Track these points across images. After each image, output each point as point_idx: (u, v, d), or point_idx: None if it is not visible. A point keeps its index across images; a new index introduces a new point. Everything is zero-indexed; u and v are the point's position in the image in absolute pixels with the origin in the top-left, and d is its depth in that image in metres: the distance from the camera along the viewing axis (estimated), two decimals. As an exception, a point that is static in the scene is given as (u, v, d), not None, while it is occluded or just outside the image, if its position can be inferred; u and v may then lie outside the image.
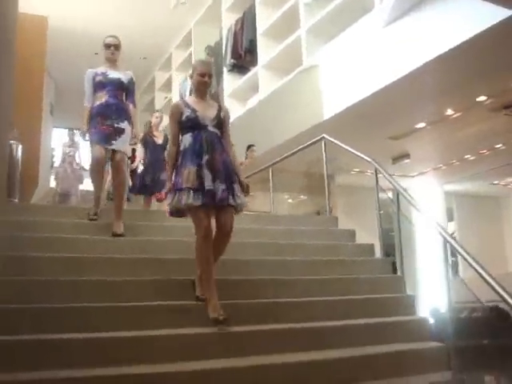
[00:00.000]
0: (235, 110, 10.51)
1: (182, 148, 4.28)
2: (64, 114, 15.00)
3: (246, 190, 4.37)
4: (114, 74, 5.60)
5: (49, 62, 9.75)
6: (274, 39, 10.00)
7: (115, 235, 5.03)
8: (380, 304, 4.94)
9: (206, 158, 4.13)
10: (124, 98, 5.68)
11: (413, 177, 12.21)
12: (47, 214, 5.49)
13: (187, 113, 4.29)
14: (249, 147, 9.72)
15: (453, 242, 4.39)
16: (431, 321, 8.31)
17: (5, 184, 5.13)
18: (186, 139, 4.27)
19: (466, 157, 10.62)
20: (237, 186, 4.23)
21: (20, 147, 6.80)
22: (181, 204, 4.05)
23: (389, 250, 6.12)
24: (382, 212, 5.98)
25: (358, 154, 6.18)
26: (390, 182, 5.45)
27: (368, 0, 7.69)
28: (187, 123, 4.29)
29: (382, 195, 6.00)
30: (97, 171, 5.54)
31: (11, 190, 6.55)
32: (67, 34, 12.11)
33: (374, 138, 8.96)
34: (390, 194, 5.94)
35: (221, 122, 4.40)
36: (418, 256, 11.78)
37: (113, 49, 5.70)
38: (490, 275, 3.81)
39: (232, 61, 10.88)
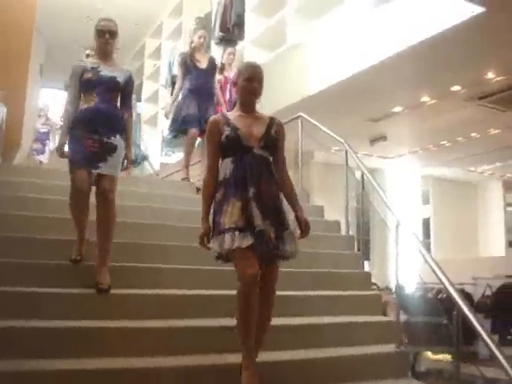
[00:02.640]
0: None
1: (221, 177, 3.44)
2: (55, 75, 15.02)
3: (304, 229, 3.52)
4: (107, 71, 4.35)
5: (40, 22, 9.75)
6: (262, 15, 10.10)
7: (101, 291, 3.96)
8: (338, 278, 5.21)
9: (252, 189, 3.31)
10: (118, 102, 4.44)
11: (391, 158, 12.47)
12: (26, 175, 5.67)
13: (227, 131, 3.43)
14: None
15: (404, 226, 4.49)
16: (394, 297, 8.69)
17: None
18: (227, 166, 3.43)
19: (442, 143, 10.86)
20: (288, 233, 3.41)
21: (4, 109, 6.91)
22: (223, 248, 3.24)
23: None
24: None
25: (331, 133, 6.39)
26: (357, 163, 5.68)
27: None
28: (227, 145, 3.44)
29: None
30: (79, 204, 4.23)
31: (-7, 151, 6.68)
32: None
33: (354, 118, 9.17)
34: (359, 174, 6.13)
35: (272, 142, 3.52)
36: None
37: (108, 36, 4.38)
38: (435, 262, 3.98)
39: (220, 34, 10.95)
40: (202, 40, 7.24)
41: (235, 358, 3.43)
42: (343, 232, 6.22)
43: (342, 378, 3.85)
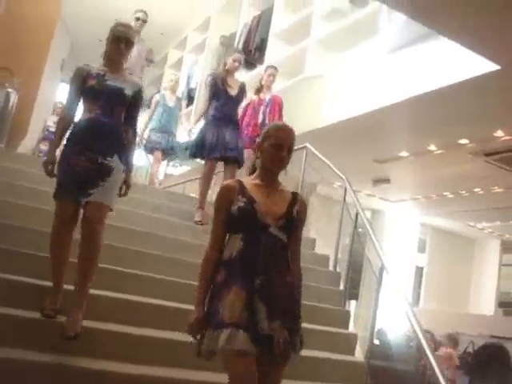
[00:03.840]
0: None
1: (225, 256, 2.79)
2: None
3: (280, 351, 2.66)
4: (114, 80, 3.83)
5: (67, 17, 9.85)
6: (285, 42, 10.21)
7: (68, 337, 3.37)
8: (318, 312, 5.18)
9: (260, 278, 2.67)
10: (122, 117, 3.90)
11: (393, 202, 12.49)
12: (24, 163, 5.70)
13: (240, 202, 2.78)
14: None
15: (389, 271, 4.51)
16: (376, 341, 8.63)
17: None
18: (234, 244, 2.78)
19: (445, 193, 10.88)
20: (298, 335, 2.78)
21: (15, 96, 6.96)
22: (217, 345, 2.59)
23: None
24: (360, 230, 6.17)
25: (333, 168, 6.42)
26: (353, 201, 5.70)
27: (380, 23, 7.92)
28: (238, 219, 2.78)
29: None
30: (59, 240, 3.65)
31: (-2, 136, 6.76)
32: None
33: (360, 157, 9.21)
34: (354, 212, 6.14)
35: (292, 223, 2.86)
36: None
37: (123, 46, 3.87)
38: (411, 308, 3.99)
39: (241, 55, 11.08)
40: (236, 64, 6.55)
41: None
42: (331, 267, 6.22)
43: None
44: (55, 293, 3.66)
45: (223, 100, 6.32)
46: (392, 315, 6.93)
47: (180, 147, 8.61)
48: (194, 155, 6.36)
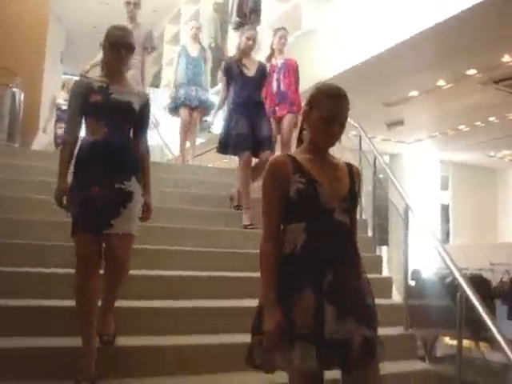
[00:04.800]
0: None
1: (287, 250, 2.29)
2: (76, 62, 15.13)
3: None
4: (119, 93, 3.39)
5: (59, 10, 9.88)
6: (277, 0, 10.14)
7: (107, 343, 3.32)
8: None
9: (329, 277, 2.23)
10: (131, 134, 3.50)
11: (410, 143, 12.42)
12: (41, 160, 5.78)
13: (299, 183, 2.27)
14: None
15: (414, 210, 4.51)
16: (412, 282, 8.70)
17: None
18: (296, 234, 2.28)
19: (461, 127, 10.79)
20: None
21: (22, 95, 7.01)
22: (289, 363, 2.16)
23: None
24: (381, 176, 6.09)
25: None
26: (369, 147, 5.71)
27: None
28: (298, 204, 2.28)
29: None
30: (87, 290, 3.15)
31: (12, 136, 6.85)
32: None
33: (370, 102, 9.12)
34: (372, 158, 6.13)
35: (355, 202, 2.45)
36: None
37: (124, 53, 3.41)
38: (442, 245, 4.00)
39: (237, 19, 10.99)
40: (250, 43, 5.91)
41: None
42: (357, 216, 6.22)
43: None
44: (88, 357, 3.12)
45: (240, 83, 5.79)
46: (424, 255, 6.98)
47: (210, 102, 7.77)
48: (224, 151, 5.79)
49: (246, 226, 5.37)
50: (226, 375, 3.47)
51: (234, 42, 11.34)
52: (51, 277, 3.86)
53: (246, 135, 5.55)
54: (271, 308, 2.19)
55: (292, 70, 6.64)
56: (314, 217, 2.28)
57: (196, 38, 8.18)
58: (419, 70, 7.84)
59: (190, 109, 7.76)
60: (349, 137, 9.12)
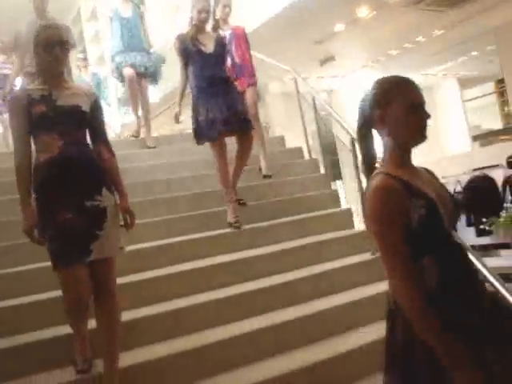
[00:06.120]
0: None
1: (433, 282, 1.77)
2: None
3: None
4: (65, 99, 2.99)
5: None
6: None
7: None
8: (307, 201, 5.39)
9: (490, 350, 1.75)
10: (87, 138, 3.12)
11: (344, 77, 12.61)
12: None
13: (420, 209, 1.75)
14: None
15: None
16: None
17: None
18: (429, 271, 1.78)
19: (391, 52, 11.01)
20: None
21: None
22: None
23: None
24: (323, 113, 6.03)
25: (275, 63, 6.45)
26: (306, 88, 5.81)
27: None
28: (422, 234, 1.76)
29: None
30: (78, 310, 2.95)
31: None
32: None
33: (299, 43, 9.26)
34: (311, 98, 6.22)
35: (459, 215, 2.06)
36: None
37: (58, 50, 2.98)
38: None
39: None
40: (203, 16, 5.09)
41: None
42: (306, 157, 6.37)
43: (325, 291, 4.08)
44: (81, 345, 3.05)
45: (200, 62, 5.02)
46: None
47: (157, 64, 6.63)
48: (200, 141, 5.04)
49: (232, 225, 4.77)
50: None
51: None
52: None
53: (219, 119, 4.82)
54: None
55: (242, 39, 6.00)
56: (440, 245, 1.82)
57: None
58: (340, 4, 7.94)
59: (137, 74, 6.44)
60: (284, 81, 9.29)
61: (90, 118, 3.05)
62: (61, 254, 2.81)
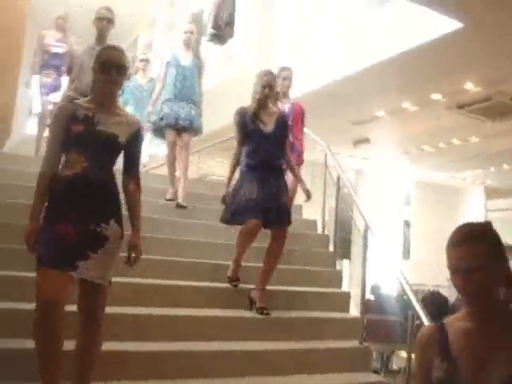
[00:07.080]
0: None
1: None
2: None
3: None
4: (106, 124, 3.01)
5: (36, 13, 9.84)
6: (250, 16, 10.39)
7: None
8: (311, 275, 5.40)
9: None
10: (114, 169, 3.12)
11: (375, 160, 12.73)
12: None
13: (440, 371, 1.76)
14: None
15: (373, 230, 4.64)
16: (371, 296, 8.87)
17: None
18: None
19: (424, 147, 11.14)
20: None
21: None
22: None
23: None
24: (346, 190, 6.18)
25: (311, 133, 6.55)
26: (334, 164, 5.88)
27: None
28: None
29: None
30: (50, 327, 2.75)
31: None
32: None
33: (338, 121, 9.42)
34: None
35: None
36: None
37: (115, 74, 3.00)
38: (397, 264, 4.20)
39: (212, 31, 11.20)
40: (267, 91, 4.64)
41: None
42: (319, 231, 6.41)
43: (309, 368, 4.08)
44: (52, 363, 2.78)
45: (255, 142, 4.62)
46: (384, 271, 7.18)
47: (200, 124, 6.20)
48: (230, 222, 4.68)
49: (260, 311, 4.44)
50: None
51: (205, 52, 11.52)
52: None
53: (257, 202, 4.45)
54: None
55: (299, 117, 5.83)
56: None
57: (189, 45, 6.38)
58: (386, 93, 8.12)
59: (178, 130, 6.05)
60: (313, 150, 9.38)
61: (124, 148, 3.07)
62: (46, 255, 2.78)
